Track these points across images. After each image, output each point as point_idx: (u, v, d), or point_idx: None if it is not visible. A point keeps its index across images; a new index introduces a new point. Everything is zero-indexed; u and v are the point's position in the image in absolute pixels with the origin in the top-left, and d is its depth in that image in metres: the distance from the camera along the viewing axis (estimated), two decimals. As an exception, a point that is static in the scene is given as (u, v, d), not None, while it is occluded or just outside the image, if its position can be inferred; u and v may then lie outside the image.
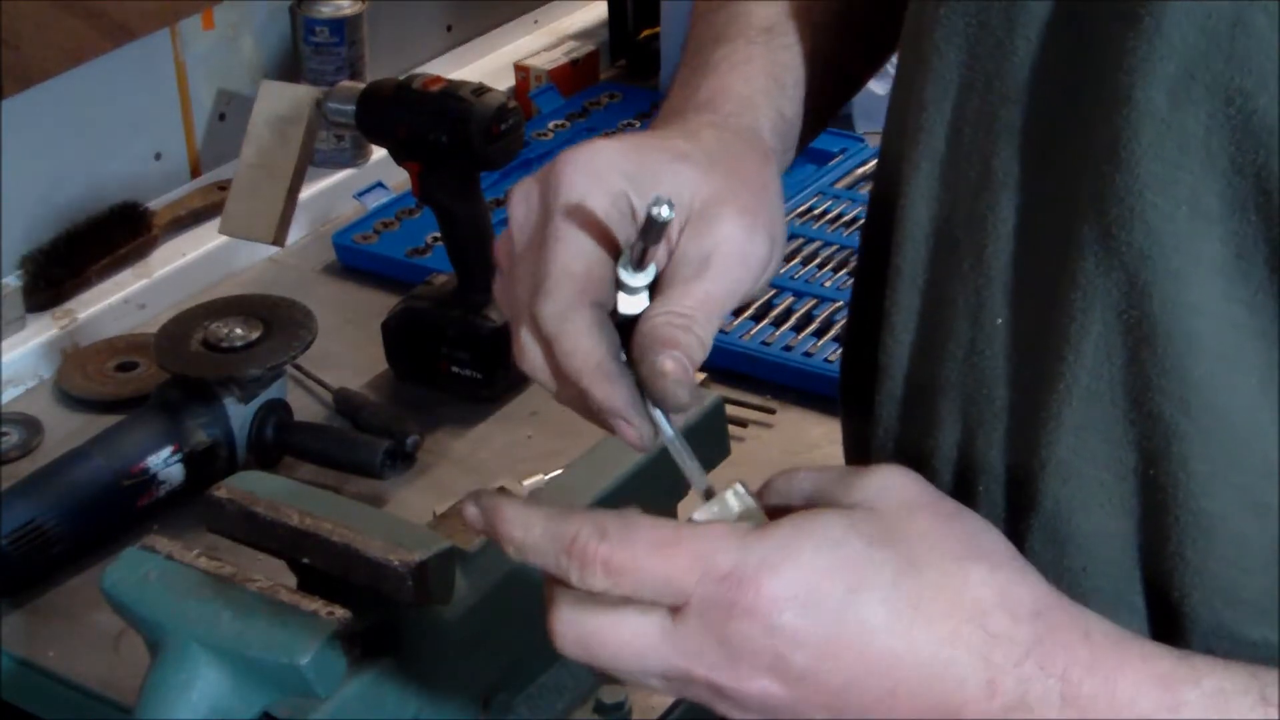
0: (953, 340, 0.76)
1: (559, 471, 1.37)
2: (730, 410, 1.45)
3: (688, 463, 0.71)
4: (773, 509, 0.69)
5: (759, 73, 0.84)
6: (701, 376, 1.51)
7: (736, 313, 1.62)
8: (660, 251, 0.73)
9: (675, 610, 0.65)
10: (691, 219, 0.74)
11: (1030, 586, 0.66)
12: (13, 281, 1.65)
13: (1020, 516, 0.74)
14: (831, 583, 0.64)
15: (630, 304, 0.72)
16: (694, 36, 0.89)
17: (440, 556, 1.04)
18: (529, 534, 0.67)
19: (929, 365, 0.77)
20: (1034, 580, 0.67)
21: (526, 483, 1.43)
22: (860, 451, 0.85)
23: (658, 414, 0.71)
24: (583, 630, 0.67)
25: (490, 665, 1.13)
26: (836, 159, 1.91)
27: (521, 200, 0.74)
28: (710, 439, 1.28)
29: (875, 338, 0.81)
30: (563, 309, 0.71)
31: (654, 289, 0.73)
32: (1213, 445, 0.67)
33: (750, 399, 1.54)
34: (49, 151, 1.71)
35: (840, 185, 1.87)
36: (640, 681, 0.67)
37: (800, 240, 1.74)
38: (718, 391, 1.41)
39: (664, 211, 0.67)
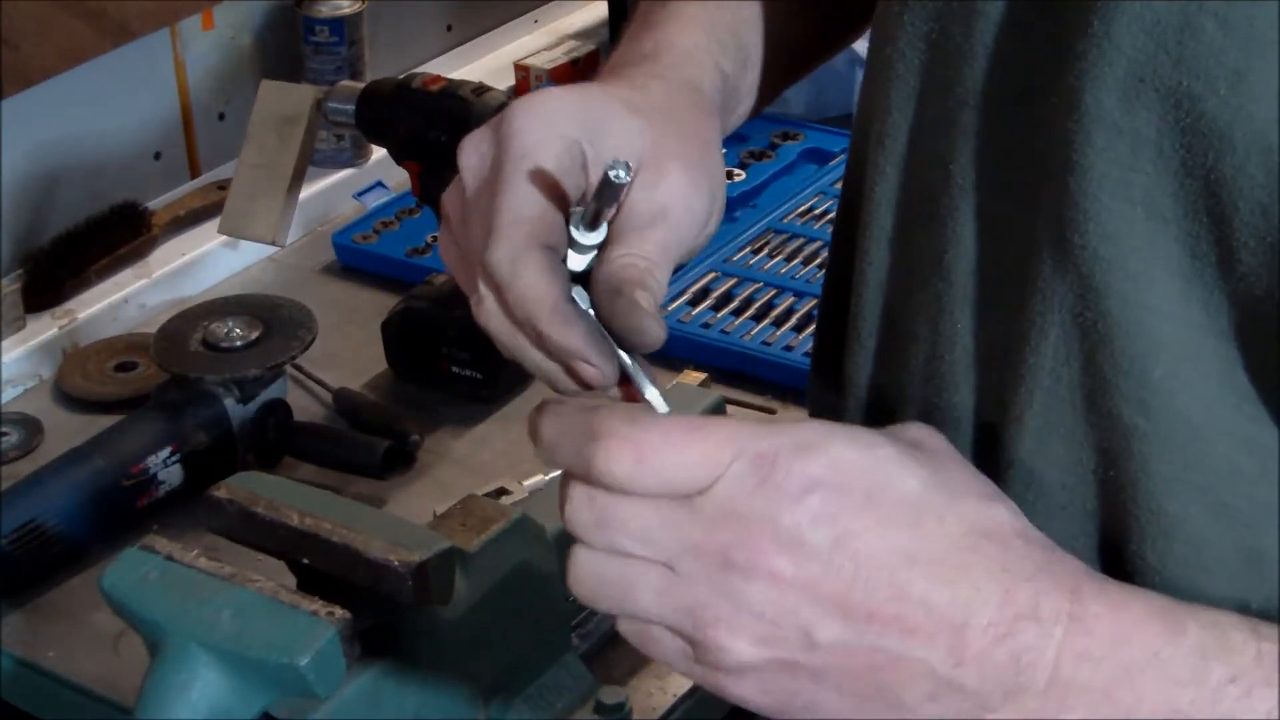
0: (915, 345, 0.76)
1: (559, 472, 1.37)
2: (730, 410, 1.44)
3: (662, 404, 0.70)
4: None
5: (700, 30, 0.84)
6: (702, 376, 1.51)
7: (736, 312, 1.62)
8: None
9: (699, 493, 0.63)
10: (642, 170, 0.74)
11: (1042, 535, 0.66)
12: (12, 281, 1.65)
13: None
14: (858, 476, 0.63)
15: (579, 261, 0.72)
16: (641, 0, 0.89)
17: (440, 556, 1.04)
18: (559, 422, 0.65)
19: (892, 371, 0.78)
20: (1045, 535, 0.67)
21: (526, 483, 1.43)
22: None
23: (626, 359, 0.70)
24: (598, 508, 0.64)
25: (490, 665, 1.13)
26: (837, 159, 1.91)
27: (473, 150, 0.74)
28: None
29: (842, 339, 0.81)
30: (515, 253, 0.70)
31: (605, 240, 0.73)
32: (1172, 446, 0.67)
33: (750, 399, 1.54)
34: (49, 151, 1.71)
35: (840, 185, 1.87)
36: (631, 595, 0.64)
37: (801, 240, 1.74)
38: (718, 391, 1.41)
39: (621, 174, 0.66)
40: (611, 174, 0.67)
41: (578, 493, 0.65)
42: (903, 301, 0.77)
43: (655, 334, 0.70)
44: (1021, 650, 0.63)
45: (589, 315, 0.71)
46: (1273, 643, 0.63)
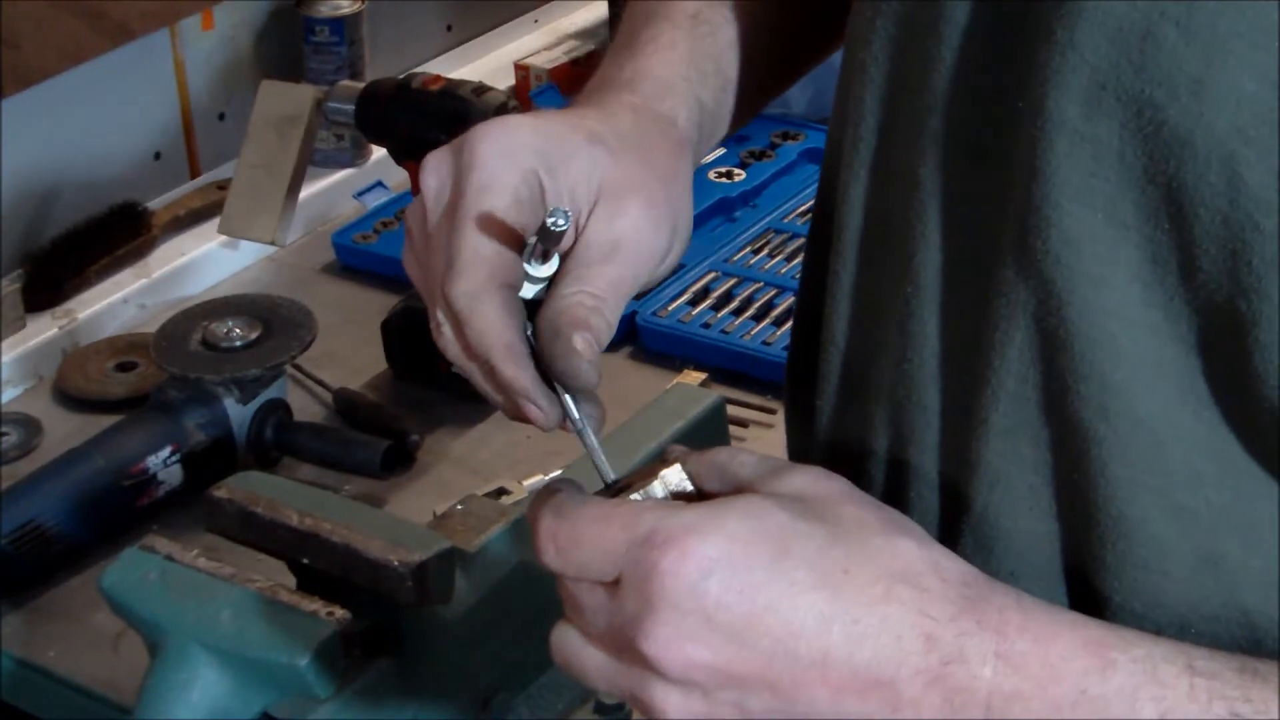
0: (884, 347, 0.76)
1: (559, 472, 1.37)
2: (730, 410, 1.44)
3: (594, 447, 0.73)
4: (707, 494, 0.70)
5: (681, 59, 0.85)
6: (702, 376, 1.51)
7: (736, 312, 1.62)
8: (567, 234, 0.74)
9: (615, 583, 0.66)
10: (600, 201, 0.75)
11: (957, 562, 0.67)
12: (12, 281, 1.65)
13: (951, 521, 0.75)
14: (756, 548, 0.64)
15: (530, 290, 0.74)
16: (626, 16, 0.89)
17: (440, 556, 1.04)
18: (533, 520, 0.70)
19: (862, 371, 0.78)
20: (960, 559, 0.67)
21: (526, 483, 1.43)
22: (802, 452, 0.86)
23: (567, 401, 0.73)
24: (560, 585, 0.69)
25: (490, 665, 1.13)
26: (837, 159, 1.91)
27: (434, 172, 0.75)
28: (710, 439, 1.28)
29: (817, 340, 0.82)
30: (474, 290, 0.72)
31: (560, 268, 0.74)
32: (1132, 450, 0.68)
33: (750, 399, 1.54)
34: (49, 151, 1.71)
35: (840, 185, 1.87)
36: (582, 670, 0.68)
37: (801, 240, 1.74)
38: (718, 391, 1.41)
39: (559, 223, 0.69)
40: (549, 222, 0.69)
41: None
42: (872, 304, 0.77)
43: (588, 378, 0.71)
44: (952, 692, 0.64)
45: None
46: (1206, 677, 0.63)
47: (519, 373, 0.72)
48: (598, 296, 0.72)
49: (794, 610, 0.64)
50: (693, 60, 0.85)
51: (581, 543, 0.67)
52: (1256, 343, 0.63)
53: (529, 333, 0.73)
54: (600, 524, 0.66)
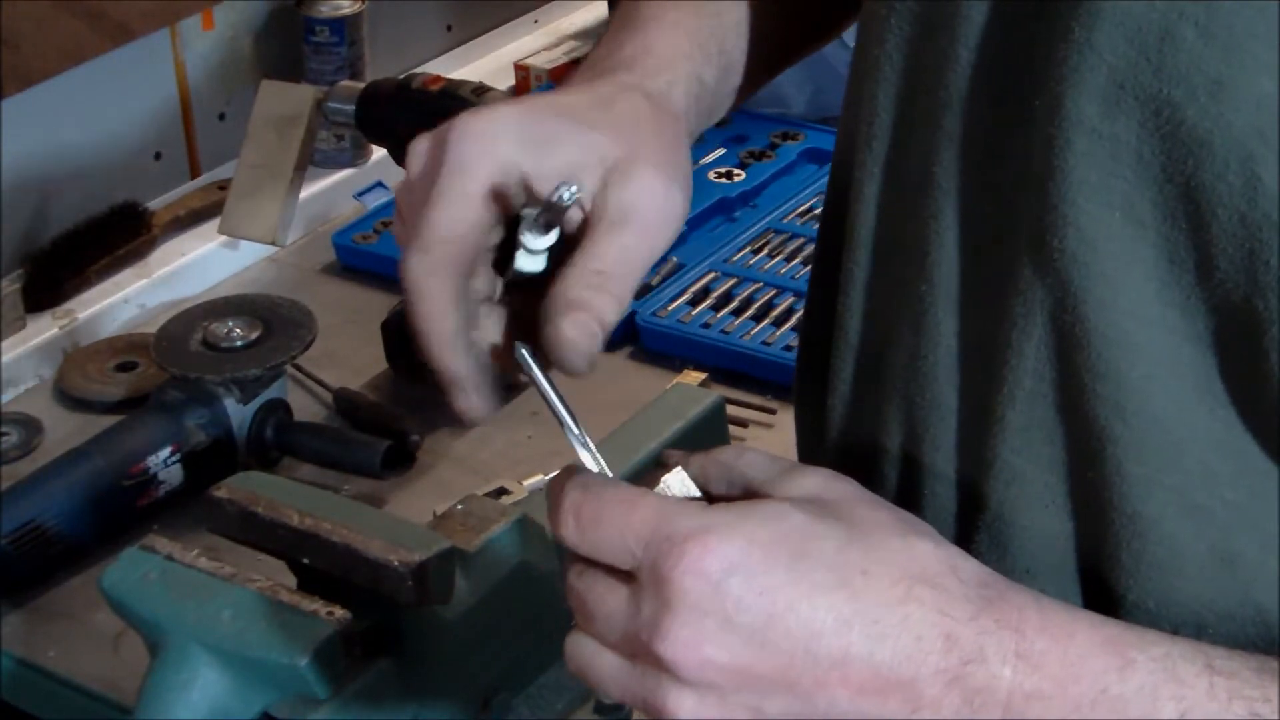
0: (898, 344, 0.76)
1: (559, 472, 1.37)
2: (730, 410, 1.44)
3: (592, 459, 0.72)
4: (715, 496, 0.70)
5: (684, 37, 0.84)
6: (702, 376, 1.51)
7: (736, 312, 1.62)
8: (576, 215, 0.74)
9: (628, 579, 0.66)
10: (610, 173, 0.74)
11: (973, 563, 0.67)
12: (13, 281, 1.65)
13: (967, 519, 0.75)
14: (776, 550, 0.64)
15: (529, 262, 0.73)
16: None
17: (440, 556, 1.04)
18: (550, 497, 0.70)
19: (876, 369, 0.78)
20: (976, 561, 0.67)
21: (526, 483, 1.43)
22: (813, 451, 0.86)
23: (565, 418, 0.72)
24: (569, 585, 0.68)
25: (490, 665, 1.13)
26: (837, 159, 1.91)
27: (418, 156, 0.75)
28: (710, 439, 1.28)
29: (828, 339, 0.82)
30: (427, 269, 0.72)
31: (575, 239, 0.74)
32: (1147, 449, 0.68)
33: (750, 399, 1.54)
34: (49, 151, 1.71)
35: (840, 185, 1.87)
36: (598, 678, 0.68)
37: (801, 240, 1.74)
38: (718, 391, 1.41)
39: (564, 196, 0.69)
40: (554, 196, 0.69)
41: (569, 572, 0.69)
42: (887, 301, 0.77)
43: (575, 366, 0.71)
44: (973, 692, 0.64)
45: (484, 353, 0.74)
46: (1226, 676, 0.63)
47: (451, 360, 0.73)
48: (603, 272, 0.72)
49: (814, 611, 0.64)
50: (697, 39, 0.84)
51: (604, 521, 0.66)
52: (1273, 341, 0.63)
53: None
54: (626, 506, 0.66)
